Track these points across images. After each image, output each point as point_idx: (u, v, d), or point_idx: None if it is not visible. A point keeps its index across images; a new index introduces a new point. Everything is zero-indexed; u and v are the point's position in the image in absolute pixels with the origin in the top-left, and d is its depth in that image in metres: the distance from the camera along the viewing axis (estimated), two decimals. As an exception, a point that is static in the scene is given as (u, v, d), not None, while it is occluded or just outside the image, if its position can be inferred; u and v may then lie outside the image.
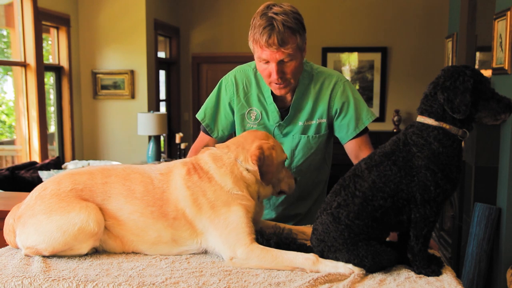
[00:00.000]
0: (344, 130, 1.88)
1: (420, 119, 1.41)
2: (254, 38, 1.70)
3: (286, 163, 1.91)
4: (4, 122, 5.23)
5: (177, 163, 1.59)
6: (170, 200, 1.50)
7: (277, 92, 1.81)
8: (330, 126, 1.92)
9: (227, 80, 1.95)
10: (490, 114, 1.37)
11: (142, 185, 1.52)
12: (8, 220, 1.54)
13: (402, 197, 1.37)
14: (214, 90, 1.99)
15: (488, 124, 1.39)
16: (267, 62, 1.72)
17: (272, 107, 1.88)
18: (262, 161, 1.51)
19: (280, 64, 1.71)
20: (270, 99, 1.88)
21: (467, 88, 1.32)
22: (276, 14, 1.66)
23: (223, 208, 1.47)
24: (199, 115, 2.00)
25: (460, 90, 1.32)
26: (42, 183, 1.57)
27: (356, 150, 1.88)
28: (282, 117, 1.89)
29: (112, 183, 1.52)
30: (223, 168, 1.52)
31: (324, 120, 1.89)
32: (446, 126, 1.37)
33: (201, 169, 1.53)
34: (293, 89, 1.86)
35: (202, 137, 2.02)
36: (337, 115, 1.89)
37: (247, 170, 1.53)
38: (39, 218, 1.46)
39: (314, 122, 1.89)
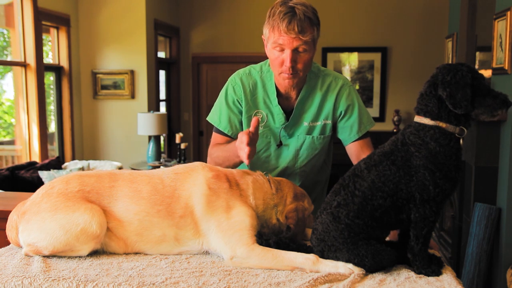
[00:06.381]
0: (347, 132, 1.91)
1: (417, 119, 1.41)
2: (272, 25, 1.73)
3: (290, 163, 1.92)
4: (5, 121, 5.22)
5: (198, 165, 1.61)
6: (181, 197, 1.51)
7: (285, 83, 1.81)
8: (333, 127, 1.94)
9: (234, 82, 1.95)
10: (486, 111, 1.35)
11: (150, 185, 1.54)
12: (12, 216, 1.55)
13: (401, 197, 1.37)
14: (222, 93, 1.97)
15: (486, 120, 1.38)
16: (282, 50, 1.74)
17: (277, 109, 1.89)
18: (296, 222, 1.58)
19: (295, 53, 1.73)
20: (275, 101, 1.89)
21: (467, 83, 1.32)
22: (296, 4, 1.73)
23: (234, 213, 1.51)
24: (213, 120, 1.97)
25: (461, 84, 1.32)
26: (50, 182, 1.58)
27: (358, 151, 1.90)
28: (287, 118, 1.90)
29: (119, 186, 1.54)
30: (260, 201, 1.57)
31: (329, 121, 1.91)
32: (442, 124, 1.36)
33: (236, 184, 1.57)
34: (298, 88, 1.87)
35: (216, 138, 1.98)
36: (341, 116, 1.91)
37: (277, 219, 1.59)
38: (43, 215, 1.46)
39: (320, 123, 1.91)
